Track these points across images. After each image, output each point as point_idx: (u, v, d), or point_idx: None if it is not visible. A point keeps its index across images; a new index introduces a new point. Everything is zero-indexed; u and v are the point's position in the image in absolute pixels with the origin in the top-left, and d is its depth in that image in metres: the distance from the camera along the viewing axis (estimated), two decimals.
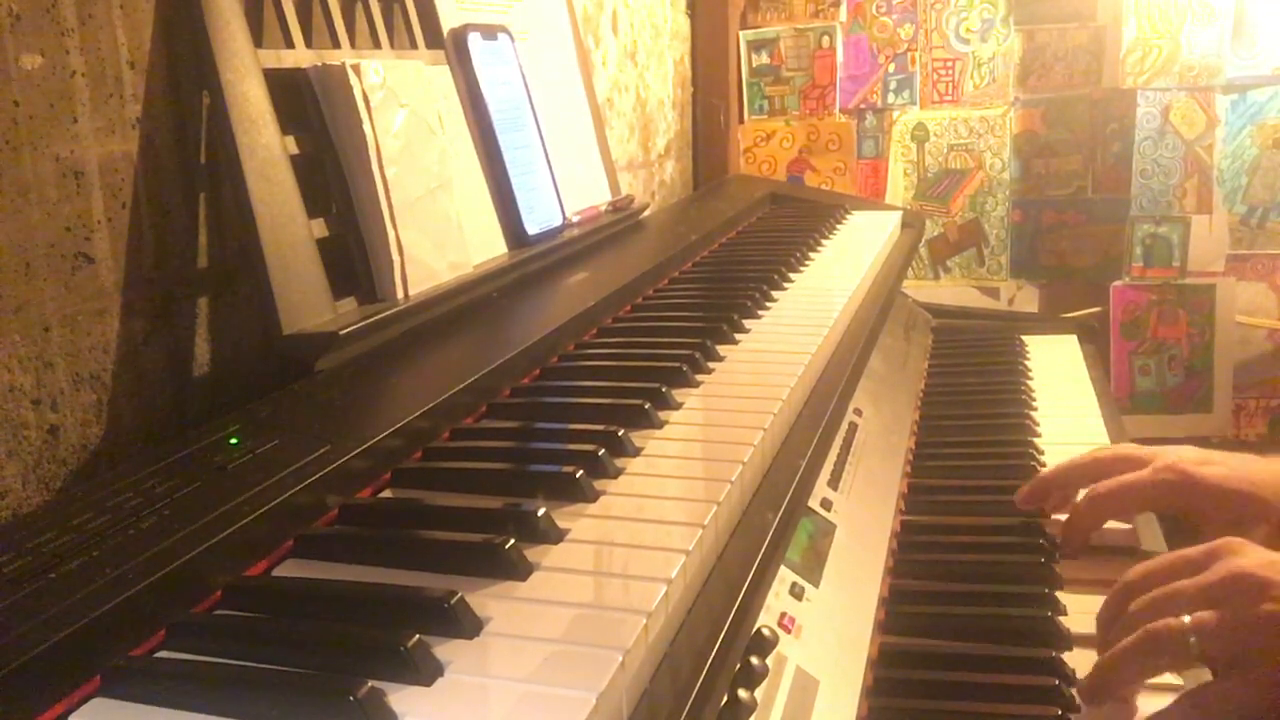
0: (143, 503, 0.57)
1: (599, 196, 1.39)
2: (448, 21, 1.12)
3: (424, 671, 0.46)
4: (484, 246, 1.08)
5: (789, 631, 0.73)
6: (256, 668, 0.48)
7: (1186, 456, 0.95)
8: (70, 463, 0.73)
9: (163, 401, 0.81)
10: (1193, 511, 0.94)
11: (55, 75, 0.72)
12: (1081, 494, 0.98)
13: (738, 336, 0.97)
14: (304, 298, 0.82)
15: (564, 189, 1.24)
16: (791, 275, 1.21)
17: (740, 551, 0.63)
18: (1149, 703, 0.75)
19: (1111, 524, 0.99)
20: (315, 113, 0.89)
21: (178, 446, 0.65)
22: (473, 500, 0.64)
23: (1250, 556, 0.74)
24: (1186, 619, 0.72)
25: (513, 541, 0.55)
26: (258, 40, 0.86)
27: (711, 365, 0.89)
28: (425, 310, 0.93)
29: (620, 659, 0.47)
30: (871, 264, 1.29)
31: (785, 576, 0.77)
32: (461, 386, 0.76)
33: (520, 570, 0.55)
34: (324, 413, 0.73)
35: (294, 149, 0.87)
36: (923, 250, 2.35)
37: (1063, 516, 1.01)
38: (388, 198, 0.91)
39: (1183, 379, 2.31)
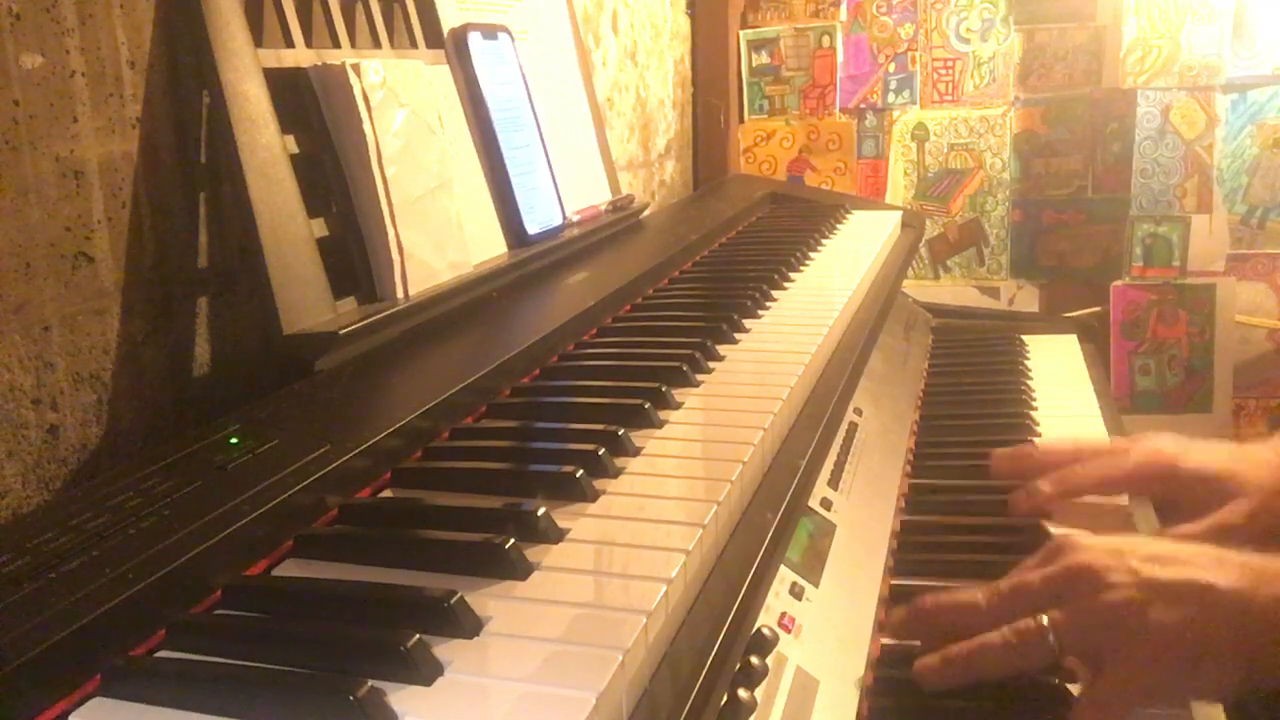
0: (143, 503, 0.57)
1: (599, 196, 1.39)
2: (448, 21, 1.12)
3: (424, 671, 0.46)
4: (484, 246, 1.08)
5: (789, 631, 0.73)
6: (256, 668, 0.48)
7: (1166, 443, 0.97)
8: (70, 463, 0.73)
9: (163, 401, 0.81)
10: (1174, 496, 0.96)
11: (55, 75, 0.72)
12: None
13: (738, 336, 0.97)
14: (304, 297, 0.82)
15: (564, 189, 1.24)
16: (791, 275, 1.21)
17: (740, 551, 0.63)
18: None
19: (1107, 509, 1.01)
20: (315, 112, 0.89)
21: (178, 446, 0.65)
22: (473, 500, 0.64)
23: (1088, 550, 0.74)
24: (1044, 619, 0.72)
25: (513, 541, 0.55)
26: (258, 40, 0.86)
27: (711, 365, 0.89)
28: (425, 310, 0.93)
29: (620, 659, 0.47)
30: (871, 264, 1.29)
31: (785, 576, 0.77)
32: (461, 386, 0.76)
33: (520, 570, 0.55)
34: (324, 413, 0.73)
35: (294, 149, 0.87)
36: (923, 250, 2.34)
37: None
38: (388, 197, 0.91)
39: (1183, 379, 2.31)
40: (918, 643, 0.79)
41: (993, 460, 1.04)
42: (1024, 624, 0.73)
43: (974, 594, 0.77)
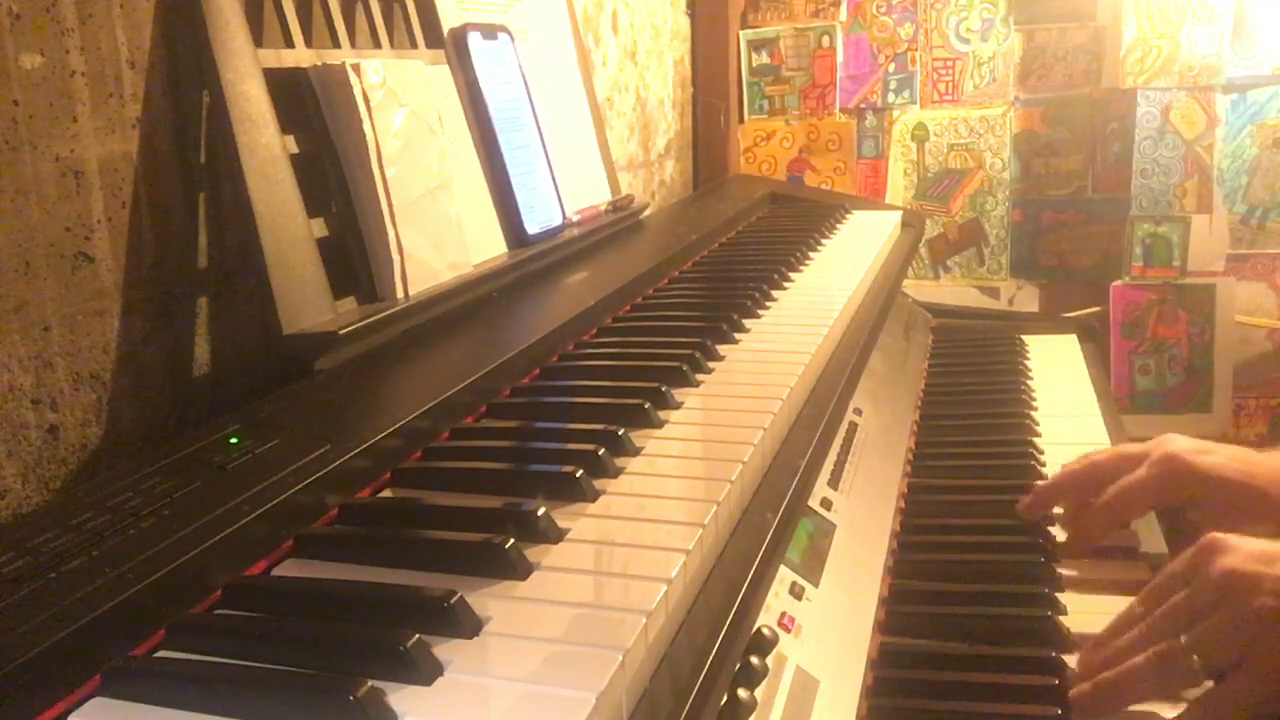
0: (143, 503, 0.57)
1: (599, 196, 1.39)
2: (448, 21, 1.12)
3: (423, 671, 0.46)
4: (484, 246, 1.08)
5: (789, 631, 0.73)
6: (256, 667, 0.48)
7: (1183, 446, 0.94)
8: (70, 463, 0.73)
9: (163, 401, 0.81)
10: (1192, 501, 0.93)
11: (55, 75, 0.72)
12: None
13: (738, 336, 0.97)
14: (304, 297, 0.82)
15: (564, 189, 1.24)
16: (791, 275, 1.21)
17: (740, 551, 0.63)
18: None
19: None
20: (315, 112, 0.89)
21: (178, 446, 0.65)
22: (472, 500, 0.64)
23: (1237, 552, 0.73)
24: (1183, 638, 0.71)
25: (512, 541, 0.55)
26: (258, 40, 0.86)
27: (711, 365, 0.89)
28: (425, 310, 0.93)
29: (620, 659, 0.47)
30: (871, 264, 1.29)
31: (785, 576, 0.77)
32: (461, 386, 0.76)
33: (520, 570, 0.55)
34: (324, 412, 0.73)
35: (294, 149, 0.87)
36: (923, 250, 2.34)
37: (1059, 509, 1.01)
38: (388, 197, 0.91)
39: (1183, 379, 2.31)
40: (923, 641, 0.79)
41: (1019, 507, 1.02)
42: (1166, 646, 0.72)
43: (1139, 661, 0.74)
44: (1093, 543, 0.97)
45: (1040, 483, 1.05)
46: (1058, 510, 1.02)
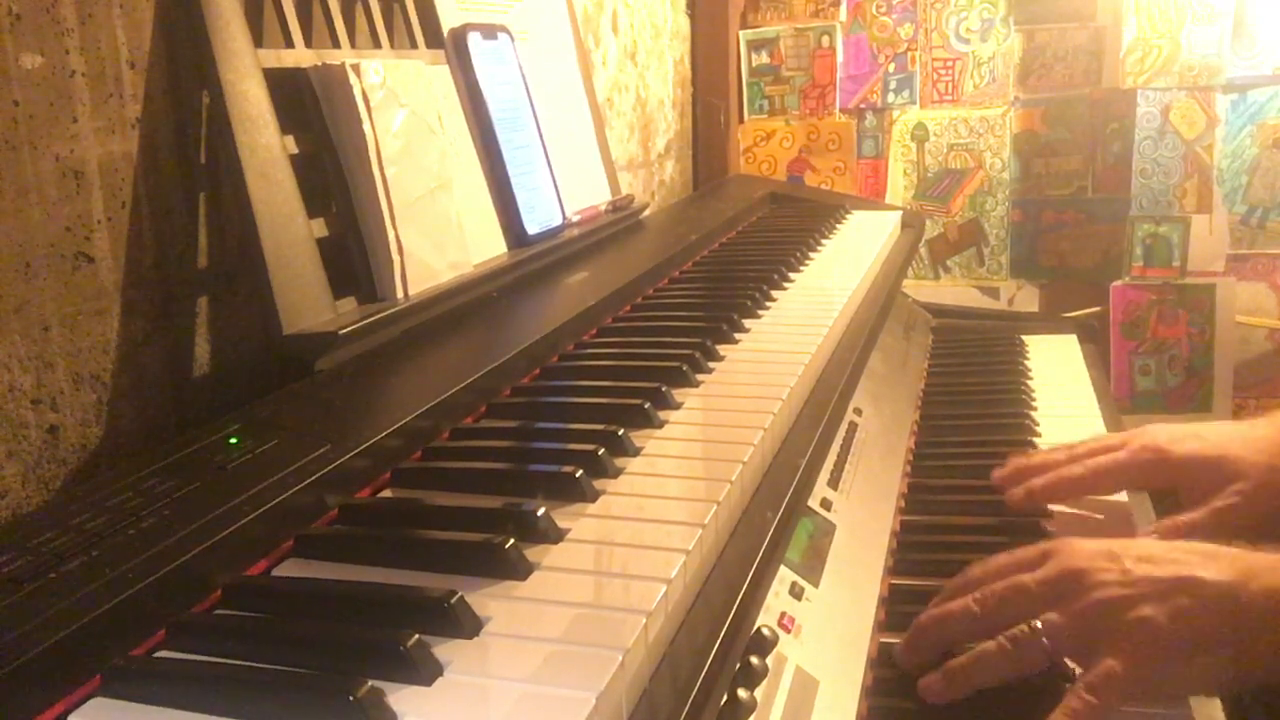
0: (143, 503, 0.57)
1: (599, 196, 1.39)
2: (448, 21, 1.12)
3: (423, 671, 0.46)
4: (484, 246, 1.08)
5: (789, 631, 0.73)
6: (256, 668, 0.48)
7: (1160, 434, 0.97)
8: (70, 463, 0.73)
9: (163, 401, 0.81)
10: (1172, 486, 0.97)
11: (55, 75, 0.72)
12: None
13: (738, 336, 0.97)
14: (304, 297, 0.82)
15: (564, 189, 1.24)
16: (791, 275, 1.21)
17: (740, 551, 0.63)
18: None
19: (1105, 508, 1.01)
20: (315, 112, 0.89)
21: (178, 446, 0.65)
22: (472, 500, 0.64)
23: (1080, 551, 0.76)
24: (1038, 623, 0.73)
25: (512, 541, 0.55)
26: (258, 40, 0.86)
27: (711, 365, 0.89)
28: (425, 310, 0.93)
29: (620, 659, 0.47)
30: (871, 264, 1.29)
31: (785, 576, 0.77)
32: (461, 386, 0.76)
33: (520, 570, 0.55)
34: (324, 413, 0.73)
35: (294, 149, 0.87)
36: (923, 250, 2.34)
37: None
38: (388, 198, 0.91)
39: (1183, 379, 2.31)
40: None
41: (994, 475, 1.04)
42: (1018, 631, 0.74)
43: (966, 602, 0.77)
44: (1046, 502, 0.99)
45: (1019, 456, 1.06)
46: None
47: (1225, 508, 0.90)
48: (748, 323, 1.01)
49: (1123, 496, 1.03)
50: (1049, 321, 1.86)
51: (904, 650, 0.79)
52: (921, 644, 0.78)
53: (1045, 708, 0.75)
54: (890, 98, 2.33)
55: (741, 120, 2.37)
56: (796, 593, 0.77)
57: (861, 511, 0.95)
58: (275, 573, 0.57)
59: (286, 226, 0.83)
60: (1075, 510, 1.02)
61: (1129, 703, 0.71)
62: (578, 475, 0.64)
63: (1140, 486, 1.02)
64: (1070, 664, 0.75)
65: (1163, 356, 2.30)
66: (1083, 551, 0.76)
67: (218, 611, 0.53)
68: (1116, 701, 0.70)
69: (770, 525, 0.66)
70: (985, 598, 0.77)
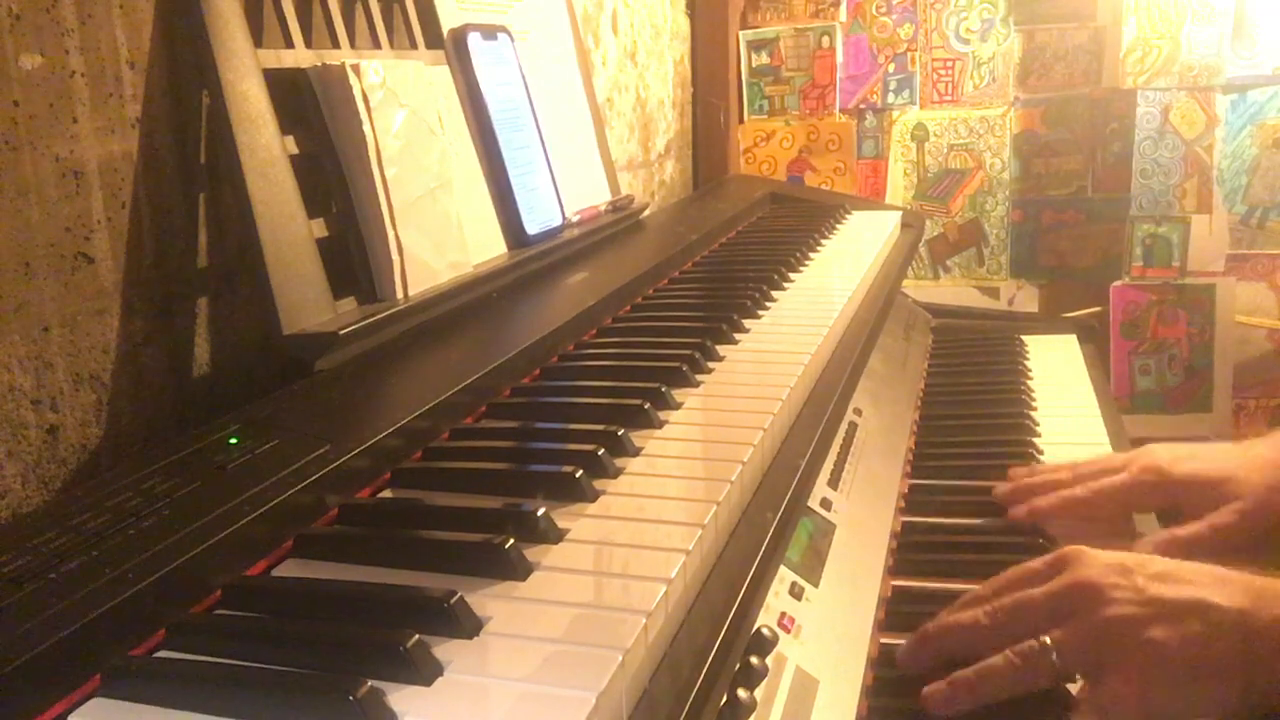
0: (143, 503, 0.57)
1: (599, 196, 1.39)
2: (448, 21, 1.12)
3: (423, 671, 0.46)
4: (484, 246, 1.08)
5: (789, 631, 0.73)
6: (256, 668, 0.48)
7: (1161, 456, 0.97)
8: (70, 463, 0.73)
9: (163, 401, 0.81)
10: (1173, 506, 0.96)
11: (55, 75, 0.72)
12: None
13: (738, 336, 0.97)
14: (304, 298, 0.82)
15: (564, 189, 1.24)
16: (791, 275, 1.21)
17: (740, 551, 0.63)
18: None
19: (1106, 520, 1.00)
20: (315, 113, 0.89)
21: (178, 446, 0.65)
22: (472, 500, 0.64)
23: (1094, 564, 0.75)
24: (1047, 639, 0.72)
25: (512, 541, 0.55)
26: (258, 40, 0.86)
27: (711, 365, 0.89)
28: (425, 310, 0.93)
29: (620, 659, 0.47)
30: (871, 264, 1.29)
31: (785, 576, 0.77)
32: (461, 386, 0.76)
33: (520, 570, 0.55)
34: (324, 413, 0.73)
35: (294, 149, 0.87)
36: (923, 250, 2.34)
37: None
38: (388, 198, 0.91)
39: (1183, 379, 2.31)
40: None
41: (995, 492, 1.04)
42: (1027, 647, 0.73)
43: (976, 614, 0.77)
44: (1044, 519, 0.99)
45: (1022, 470, 1.06)
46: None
47: (1223, 525, 0.89)
48: (748, 323, 1.01)
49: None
50: (1049, 322, 1.86)
51: (905, 655, 0.79)
52: (922, 653, 0.78)
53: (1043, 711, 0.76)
54: (890, 98, 2.33)
55: (741, 120, 2.37)
56: (796, 593, 0.77)
57: (861, 511, 0.95)
58: (275, 573, 0.57)
59: (286, 226, 0.83)
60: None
61: None
62: (578, 475, 0.64)
63: (1142, 508, 1.01)
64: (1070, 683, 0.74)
65: (1163, 356, 2.30)
66: (1096, 564, 0.75)
67: (218, 611, 0.53)
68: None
69: (770, 525, 0.66)
70: (995, 611, 0.76)
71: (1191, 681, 0.69)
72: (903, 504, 1.06)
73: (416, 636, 0.47)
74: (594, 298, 1.01)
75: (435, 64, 1.08)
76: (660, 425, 0.76)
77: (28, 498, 0.70)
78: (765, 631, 0.68)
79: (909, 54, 2.31)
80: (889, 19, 2.31)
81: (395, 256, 0.91)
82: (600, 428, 0.72)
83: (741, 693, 0.62)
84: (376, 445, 0.66)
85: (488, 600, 0.52)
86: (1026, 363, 1.51)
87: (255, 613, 0.53)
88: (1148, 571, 0.73)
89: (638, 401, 0.77)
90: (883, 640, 0.84)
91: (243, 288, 0.88)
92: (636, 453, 0.71)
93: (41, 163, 0.71)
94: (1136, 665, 0.70)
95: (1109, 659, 0.71)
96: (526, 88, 1.21)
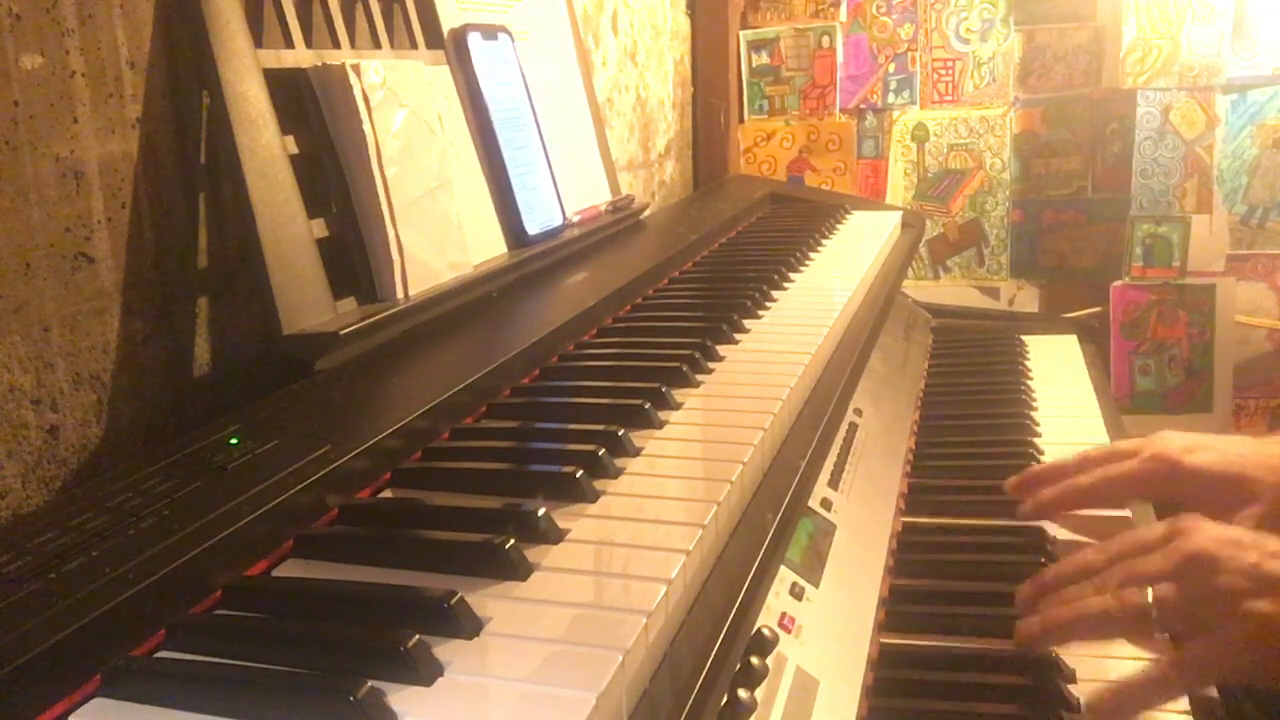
0: (143, 503, 0.57)
1: (599, 196, 1.39)
2: (448, 21, 1.12)
3: (423, 671, 0.46)
4: (484, 246, 1.08)
5: (789, 631, 0.73)
6: (256, 668, 0.48)
7: (1173, 444, 0.95)
8: (70, 463, 0.73)
9: (163, 401, 0.81)
10: (1183, 499, 0.94)
11: (55, 75, 0.72)
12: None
13: (738, 336, 0.97)
14: (304, 298, 0.82)
15: (564, 189, 1.24)
16: (791, 275, 1.21)
17: (740, 551, 0.63)
18: None
19: (1109, 514, 1.00)
20: (315, 113, 0.89)
21: (178, 446, 0.65)
22: (472, 500, 0.64)
23: (1207, 534, 0.77)
24: (1149, 593, 0.74)
25: (513, 541, 0.55)
26: (258, 40, 0.86)
27: (711, 365, 0.89)
28: (425, 310, 0.93)
29: (620, 659, 0.47)
30: (871, 264, 1.29)
31: (785, 576, 0.77)
32: (461, 386, 0.76)
33: (520, 570, 0.55)
34: (324, 413, 0.73)
35: (294, 149, 0.87)
36: (923, 250, 2.34)
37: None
38: (388, 198, 0.91)
39: (1183, 379, 2.31)
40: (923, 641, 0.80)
41: (1006, 484, 1.04)
42: (1131, 596, 0.75)
43: (1086, 554, 0.80)
44: (1054, 513, 0.99)
45: (1033, 466, 1.06)
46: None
47: None
48: (748, 323, 1.01)
49: (1125, 511, 1.01)
50: (1049, 322, 1.86)
51: (1023, 593, 0.81)
52: (1053, 638, 0.79)
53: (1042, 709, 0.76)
54: (890, 98, 2.33)
55: (741, 120, 2.37)
56: (797, 593, 0.77)
57: (861, 511, 0.95)
58: (275, 573, 0.57)
59: (286, 226, 0.83)
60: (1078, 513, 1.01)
61: (1211, 684, 0.73)
62: (578, 475, 0.64)
63: (1150, 498, 1.00)
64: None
65: (1163, 356, 2.30)
66: (1211, 535, 0.77)
67: (218, 612, 0.53)
68: (1206, 682, 0.73)
69: (770, 525, 0.66)
70: (1108, 557, 0.79)
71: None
72: (903, 504, 1.06)
73: (417, 637, 0.47)
74: (594, 298, 1.01)
75: (435, 64, 1.08)
76: (660, 425, 0.76)
77: (28, 498, 0.70)
78: (765, 632, 0.68)
79: (909, 54, 2.31)
80: (889, 19, 2.31)
81: (395, 256, 0.91)
82: (600, 428, 0.72)
83: (742, 693, 0.62)
84: (377, 445, 0.66)
85: (488, 600, 0.52)
86: (1027, 363, 1.51)
87: (255, 613, 0.53)
88: (1264, 549, 0.75)
89: (638, 402, 0.77)
90: (883, 640, 0.84)
91: (243, 288, 0.88)
92: (637, 453, 0.71)
93: (42, 163, 0.71)
94: (1238, 631, 0.71)
95: (1209, 623, 0.72)
96: (527, 88, 1.21)
